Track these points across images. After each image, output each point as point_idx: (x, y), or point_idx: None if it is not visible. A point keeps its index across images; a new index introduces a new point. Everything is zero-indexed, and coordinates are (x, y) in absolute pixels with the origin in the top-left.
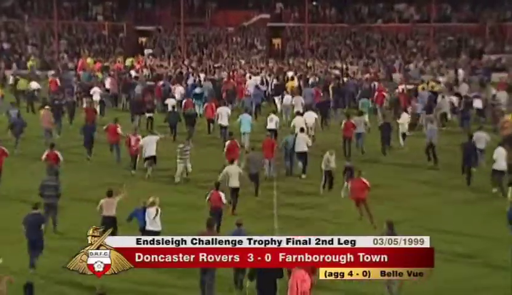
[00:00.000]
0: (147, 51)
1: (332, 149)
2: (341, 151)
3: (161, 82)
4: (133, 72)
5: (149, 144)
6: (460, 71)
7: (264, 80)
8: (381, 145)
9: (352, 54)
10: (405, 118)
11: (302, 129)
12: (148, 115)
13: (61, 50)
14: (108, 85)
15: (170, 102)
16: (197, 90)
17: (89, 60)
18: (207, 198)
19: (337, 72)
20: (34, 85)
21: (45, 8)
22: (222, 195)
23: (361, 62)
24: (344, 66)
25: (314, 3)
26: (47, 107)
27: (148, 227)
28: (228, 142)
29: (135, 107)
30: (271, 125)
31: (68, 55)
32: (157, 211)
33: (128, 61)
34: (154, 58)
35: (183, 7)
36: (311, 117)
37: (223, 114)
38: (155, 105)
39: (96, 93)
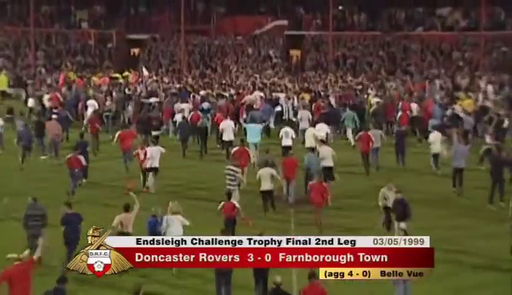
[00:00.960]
0: (143, 67)
1: (390, 183)
2: (363, 168)
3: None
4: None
5: (154, 156)
6: (489, 88)
7: (284, 100)
8: (396, 155)
9: (385, 67)
10: (436, 137)
11: (323, 141)
12: (154, 133)
13: (38, 63)
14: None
15: (178, 117)
16: (205, 105)
17: (71, 75)
18: (219, 208)
19: (359, 87)
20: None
21: (20, 13)
22: (236, 203)
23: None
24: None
25: (340, 7)
26: (54, 116)
27: (169, 234)
28: (235, 148)
29: (141, 125)
30: (286, 142)
31: (46, 69)
32: (181, 219)
33: (118, 75)
34: (149, 72)
35: (183, 12)
36: (322, 129)
37: (228, 128)
38: (162, 122)
39: (91, 106)
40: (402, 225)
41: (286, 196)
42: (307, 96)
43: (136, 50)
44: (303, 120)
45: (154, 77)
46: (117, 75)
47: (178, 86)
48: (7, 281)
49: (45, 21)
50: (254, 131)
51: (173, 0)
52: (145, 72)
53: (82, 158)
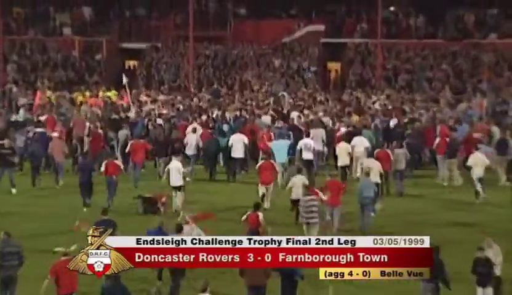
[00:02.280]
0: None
1: (489, 238)
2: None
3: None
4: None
5: (175, 172)
6: None
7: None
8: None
9: (450, 84)
10: (478, 159)
11: (368, 174)
12: (175, 158)
13: (8, 79)
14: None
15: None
16: (225, 127)
17: (49, 94)
18: (244, 218)
19: (407, 108)
20: None
21: None
22: (261, 216)
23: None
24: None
25: (392, 8)
26: (55, 135)
27: None
28: (261, 162)
29: (158, 148)
30: (307, 155)
31: (17, 87)
32: (193, 230)
33: (110, 94)
34: (147, 91)
35: (192, 15)
36: (362, 143)
37: (237, 145)
38: (184, 144)
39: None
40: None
41: (330, 221)
42: (355, 118)
43: (132, 63)
44: (317, 140)
45: (144, 98)
46: (109, 93)
47: (180, 106)
48: (54, 275)
49: (17, 26)
50: (280, 147)
51: (180, 0)
52: (124, 80)
53: (119, 163)
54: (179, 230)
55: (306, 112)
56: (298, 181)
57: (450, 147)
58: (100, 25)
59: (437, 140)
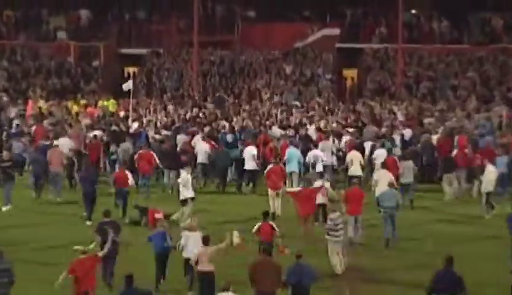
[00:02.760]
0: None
1: None
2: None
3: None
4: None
5: (187, 183)
6: None
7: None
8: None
9: (477, 93)
10: (492, 174)
11: (392, 185)
12: (183, 171)
13: None
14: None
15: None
16: (229, 138)
17: (41, 104)
18: (255, 230)
19: (425, 119)
20: None
21: None
22: (274, 225)
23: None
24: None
25: (413, 11)
26: (56, 143)
27: (189, 254)
28: (269, 166)
29: (164, 160)
30: (318, 168)
31: (7, 95)
32: (199, 238)
33: (109, 103)
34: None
35: (196, 17)
36: (380, 155)
37: (248, 155)
38: (195, 155)
39: (64, 146)
40: None
41: (352, 234)
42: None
43: (131, 69)
44: (327, 153)
45: (151, 108)
46: (107, 103)
47: (184, 115)
48: (73, 273)
49: (8, 30)
50: (292, 157)
51: (183, 3)
52: (126, 87)
53: (130, 174)
54: (205, 242)
55: (321, 123)
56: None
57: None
58: (97, 29)
59: (455, 151)
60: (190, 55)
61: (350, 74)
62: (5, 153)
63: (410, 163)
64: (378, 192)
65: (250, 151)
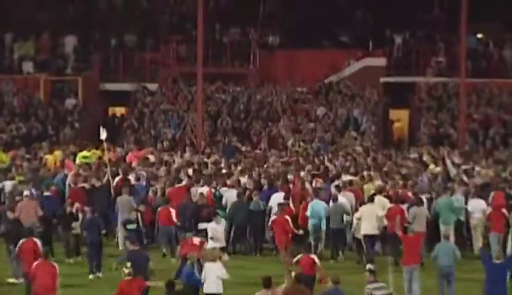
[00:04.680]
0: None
1: None
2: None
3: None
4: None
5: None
6: None
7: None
8: None
9: None
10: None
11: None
12: (201, 226)
13: None
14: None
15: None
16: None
17: (2, 156)
18: (295, 260)
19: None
20: None
21: None
22: (315, 258)
23: None
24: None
25: (479, 35)
26: (26, 193)
27: (208, 290)
28: (273, 217)
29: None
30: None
31: None
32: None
33: (83, 155)
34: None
35: (201, 43)
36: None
37: (273, 204)
38: (215, 208)
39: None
40: None
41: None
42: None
43: (118, 110)
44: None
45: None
46: (86, 153)
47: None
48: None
49: None
50: (319, 209)
51: (183, 24)
52: (103, 135)
53: (173, 211)
54: (267, 285)
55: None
56: (368, 212)
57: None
58: (74, 59)
59: (488, 211)
60: (193, 91)
61: (399, 115)
62: None
63: (422, 209)
64: (363, 229)
65: (279, 196)
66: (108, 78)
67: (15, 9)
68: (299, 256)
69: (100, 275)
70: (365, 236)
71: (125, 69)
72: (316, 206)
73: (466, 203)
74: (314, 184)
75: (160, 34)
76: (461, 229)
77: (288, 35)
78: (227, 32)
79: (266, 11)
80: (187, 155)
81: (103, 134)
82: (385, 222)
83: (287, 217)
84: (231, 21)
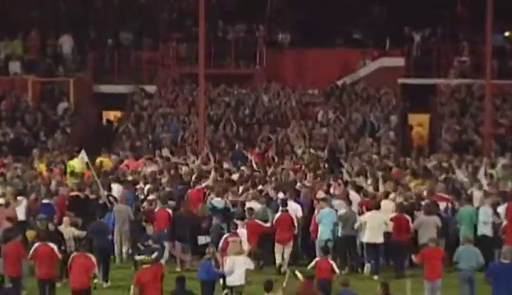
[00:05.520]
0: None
1: None
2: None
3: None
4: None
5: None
6: None
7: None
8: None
9: None
10: None
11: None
12: (201, 241)
13: None
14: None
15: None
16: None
17: None
18: (312, 265)
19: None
20: None
21: None
22: (333, 264)
23: None
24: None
25: (507, 33)
26: (1, 201)
27: (235, 282)
28: (278, 214)
29: (174, 228)
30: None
31: None
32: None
33: (75, 163)
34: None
35: (203, 41)
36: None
37: (297, 214)
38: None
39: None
40: None
41: None
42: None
43: (113, 114)
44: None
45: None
46: (76, 162)
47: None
48: (138, 283)
49: None
50: (327, 221)
51: (184, 22)
52: (83, 157)
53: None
54: (268, 288)
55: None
56: (375, 220)
57: None
58: (65, 58)
59: (504, 223)
60: (194, 94)
61: (419, 120)
62: None
63: (432, 218)
64: (367, 237)
65: (297, 207)
66: (102, 80)
67: (0, 5)
68: (316, 259)
69: (105, 285)
70: (368, 244)
71: (121, 69)
72: (327, 214)
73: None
74: (332, 190)
75: (159, 32)
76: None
77: (297, 33)
78: (231, 29)
79: (274, 6)
80: (197, 163)
81: (83, 155)
82: (390, 228)
83: (291, 214)
84: (235, 17)
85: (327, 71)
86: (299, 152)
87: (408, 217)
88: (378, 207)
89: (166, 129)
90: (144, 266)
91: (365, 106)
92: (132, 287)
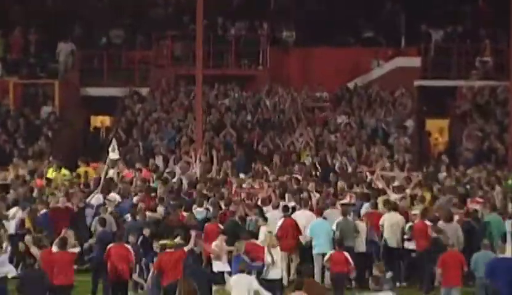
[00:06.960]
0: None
1: None
2: None
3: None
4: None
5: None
6: None
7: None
8: None
9: None
10: None
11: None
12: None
13: None
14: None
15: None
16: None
17: None
18: (326, 259)
19: None
20: None
21: None
22: (348, 256)
23: None
24: None
25: None
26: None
27: (278, 275)
28: (281, 220)
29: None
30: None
31: None
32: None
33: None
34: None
35: (201, 40)
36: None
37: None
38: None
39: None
40: None
41: None
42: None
43: (101, 119)
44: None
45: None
46: (64, 171)
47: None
48: (158, 269)
49: None
50: (322, 233)
51: (180, 18)
52: (113, 155)
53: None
54: (299, 287)
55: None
56: (391, 220)
57: None
58: (50, 58)
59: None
60: (191, 97)
61: (438, 126)
62: None
63: (453, 225)
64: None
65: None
66: (90, 82)
67: None
68: (330, 253)
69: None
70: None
71: (111, 70)
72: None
73: None
74: (348, 199)
75: (153, 29)
76: None
77: (304, 30)
78: (231, 26)
79: (278, 1)
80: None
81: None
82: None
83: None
84: (236, 13)
85: (336, 72)
86: (306, 160)
87: (428, 224)
88: (395, 208)
89: (159, 135)
90: (168, 250)
91: (379, 111)
92: (151, 271)
